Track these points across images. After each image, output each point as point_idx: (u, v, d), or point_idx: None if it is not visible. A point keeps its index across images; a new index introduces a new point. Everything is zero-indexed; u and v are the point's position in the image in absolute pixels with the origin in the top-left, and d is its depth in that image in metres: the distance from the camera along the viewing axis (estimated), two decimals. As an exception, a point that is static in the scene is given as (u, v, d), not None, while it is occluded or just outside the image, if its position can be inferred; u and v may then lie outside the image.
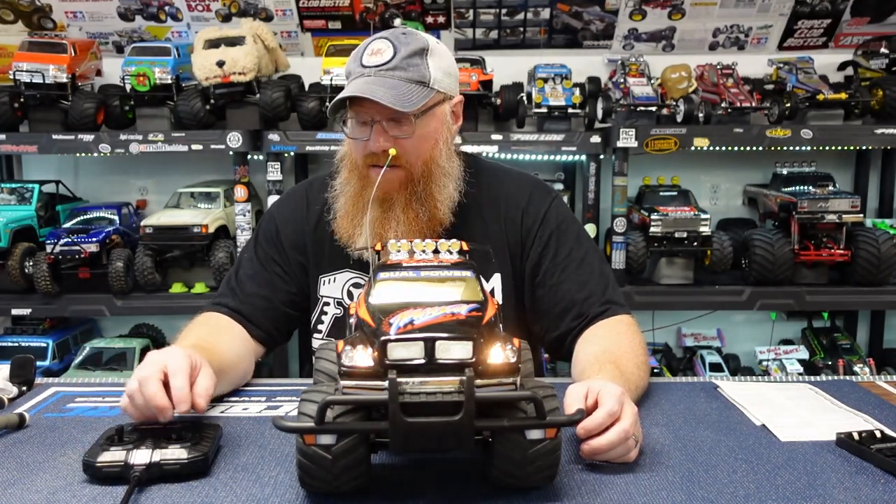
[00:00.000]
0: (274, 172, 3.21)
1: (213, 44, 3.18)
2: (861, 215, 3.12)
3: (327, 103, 3.16)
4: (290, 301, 1.77)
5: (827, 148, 3.21)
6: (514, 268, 1.74)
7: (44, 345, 3.25)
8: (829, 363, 3.29)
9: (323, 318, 1.77)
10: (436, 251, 1.22)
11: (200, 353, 1.38)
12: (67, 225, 3.27)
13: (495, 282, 1.72)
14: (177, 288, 3.21)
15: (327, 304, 1.76)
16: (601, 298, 1.67)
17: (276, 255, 1.78)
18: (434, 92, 1.59)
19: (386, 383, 0.96)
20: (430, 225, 1.63)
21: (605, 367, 1.41)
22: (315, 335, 1.80)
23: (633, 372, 1.46)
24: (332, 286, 1.76)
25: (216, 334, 1.63)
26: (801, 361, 3.35)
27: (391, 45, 1.57)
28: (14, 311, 3.15)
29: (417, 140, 1.59)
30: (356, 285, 1.73)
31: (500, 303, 1.62)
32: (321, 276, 1.76)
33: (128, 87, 3.20)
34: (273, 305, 1.75)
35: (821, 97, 3.19)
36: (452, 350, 0.98)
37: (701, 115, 3.19)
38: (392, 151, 1.55)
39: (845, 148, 3.28)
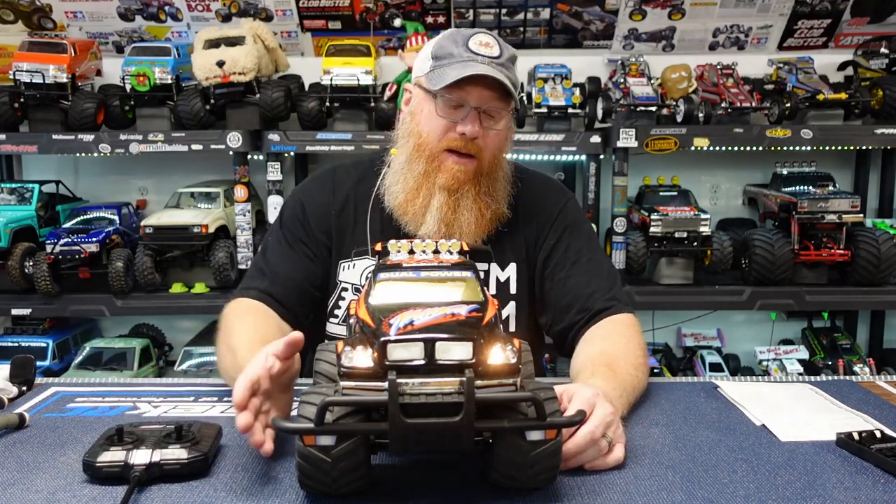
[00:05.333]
0: (274, 172, 3.21)
1: (213, 44, 3.18)
2: (861, 215, 3.12)
3: (327, 103, 3.18)
4: (317, 283, 1.78)
5: (827, 148, 3.21)
6: (528, 258, 1.78)
7: (44, 345, 3.25)
8: (829, 363, 3.29)
9: (340, 303, 1.78)
10: (436, 251, 1.22)
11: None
12: (67, 225, 3.27)
13: (511, 271, 1.76)
14: (177, 288, 3.21)
15: (345, 289, 1.77)
16: (606, 294, 1.69)
17: (304, 235, 1.78)
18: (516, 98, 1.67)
19: (386, 384, 0.96)
20: (492, 218, 1.70)
21: (599, 369, 1.43)
22: (331, 320, 1.80)
23: (630, 373, 1.47)
24: (352, 272, 1.77)
25: (264, 324, 1.58)
26: (801, 361, 3.34)
27: (497, 43, 1.64)
28: (14, 311, 3.15)
29: (498, 136, 1.67)
30: None
31: (516, 292, 1.66)
32: (342, 261, 1.78)
33: (128, 87, 3.20)
34: (302, 288, 1.74)
35: (821, 97, 3.19)
36: (452, 351, 0.98)
37: (701, 115, 3.19)
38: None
39: (845, 148, 3.27)
